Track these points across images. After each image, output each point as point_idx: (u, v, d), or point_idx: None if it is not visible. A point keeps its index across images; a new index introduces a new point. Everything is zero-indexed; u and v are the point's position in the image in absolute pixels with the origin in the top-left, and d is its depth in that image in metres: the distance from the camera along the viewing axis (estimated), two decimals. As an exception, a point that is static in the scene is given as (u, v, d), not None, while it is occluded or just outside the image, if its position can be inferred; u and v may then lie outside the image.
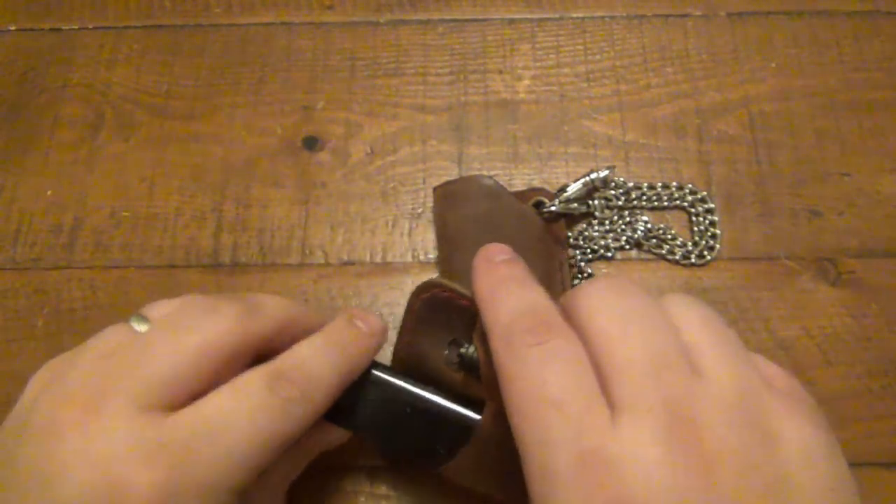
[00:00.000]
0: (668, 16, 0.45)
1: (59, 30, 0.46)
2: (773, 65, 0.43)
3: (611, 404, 0.20)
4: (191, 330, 0.25)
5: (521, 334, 0.22)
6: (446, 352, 0.29)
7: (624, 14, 0.45)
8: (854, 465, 0.33)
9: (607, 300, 0.22)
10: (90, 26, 0.46)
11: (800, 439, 0.19)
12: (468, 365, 0.28)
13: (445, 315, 0.29)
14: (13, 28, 0.46)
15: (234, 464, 0.23)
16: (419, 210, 0.40)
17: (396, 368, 0.31)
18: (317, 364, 0.26)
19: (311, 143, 0.42)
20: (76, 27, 0.46)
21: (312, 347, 0.27)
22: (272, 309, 0.27)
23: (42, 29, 0.46)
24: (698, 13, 0.45)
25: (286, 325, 0.27)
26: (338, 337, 0.27)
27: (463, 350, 0.28)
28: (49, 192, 0.41)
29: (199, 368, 0.24)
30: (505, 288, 0.24)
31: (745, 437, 0.19)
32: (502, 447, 0.25)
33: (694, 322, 0.22)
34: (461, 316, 0.29)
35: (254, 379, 0.25)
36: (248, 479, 0.23)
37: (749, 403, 0.20)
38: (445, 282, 0.29)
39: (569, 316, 0.23)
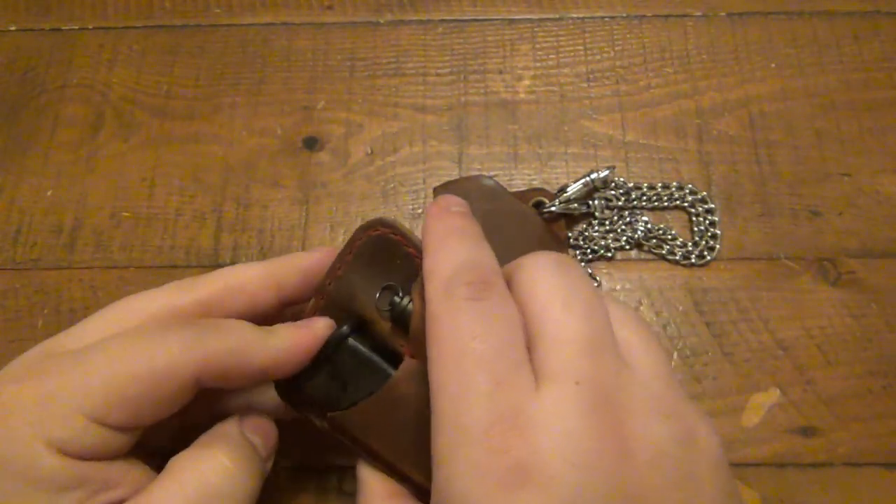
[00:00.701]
0: (668, 16, 0.45)
1: (59, 30, 0.46)
2: (773, 65, 0.43)
3: (537, 374, 0.19)
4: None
5: (461, 286, 0.21)
6: (378, 295, 0.27)
7: (624, 14, 0.45)
8: (854, 464, 0.34)
9: (553, 275, 0.22)
10: (90, 26, 0.46)
11: (715, 445, 0.20)
12: (398, 315, 0.27)
13: (387, 258, 0.27)
14: (13, 28, 0.46)
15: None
16: (419, 210, 0.40)
17: (319, 299, 0.29)
18: None
19: (311, 143, 0.42)
20: (76, 27, 0.46)
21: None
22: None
23: (42, 29, 0.46)
24: (698, 13, 0.45)
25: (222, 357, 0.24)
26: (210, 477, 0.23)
27: (397, 299, 0.27)
28: (49, 192, 0.41)
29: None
30: (455, 238, 0.24)
31: (665, 430, 0.19)
32: (408, 407, 0.24)
33: (627, 322, 0.22)
34: (404, 264, 0.27)
35: None
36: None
37: (672, 400, 0.20)
38: (398, 224, 0.27)
39: (512, 284, 0.22)
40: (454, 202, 0.26)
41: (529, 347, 0.20)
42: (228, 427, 0.25)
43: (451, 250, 0.23)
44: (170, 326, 0.24)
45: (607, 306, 0.22)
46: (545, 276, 0.22)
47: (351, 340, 0.27)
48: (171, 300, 0.26)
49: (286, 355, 0.25)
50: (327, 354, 0.27)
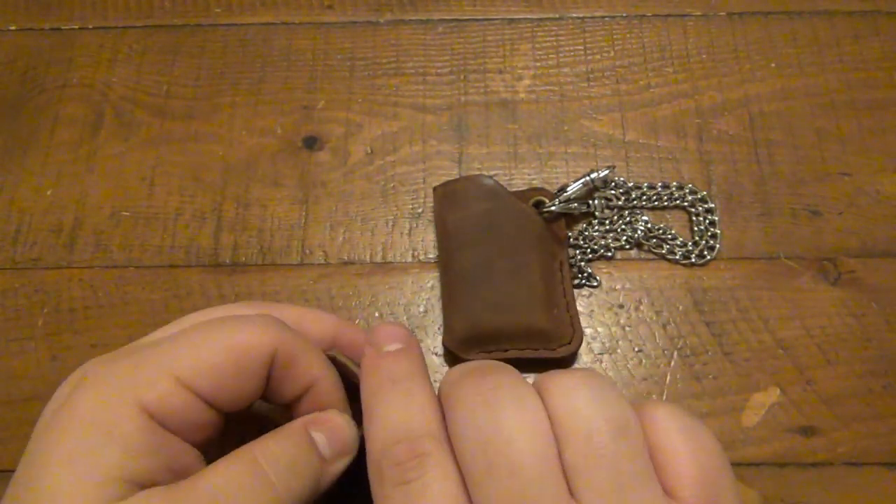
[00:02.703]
0: (668, 16, 0.45)
1: (59, 30, 0.46)
2: (773, 65, 0.43)
3: (572, 488, 0.19)
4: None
5: (389, 468, 0.20)
6: None
7: (624, 14, 0.45)
8: (854, 464, 0.34)
9: (582, 396, 0.20)
10: (90, 26, 0.46)
11: None
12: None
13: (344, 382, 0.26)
14: (13, 28, 0.46)
15: None
16: (419, 210, 0.40)
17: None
18: None
19: (311, 143, 0.42)
20: (76, 27, 0.46)
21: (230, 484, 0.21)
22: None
23: (42, 29, 0.46)
24: (698, 13, 0.45)
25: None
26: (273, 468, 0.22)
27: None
28: (49, 192, 0.41)
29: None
30: (384, 396, 0.22)
31: None
32: None
33: (580, 428, 0.20)
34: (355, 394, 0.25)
35: None
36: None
37: None
38: (340, 356, 0.26)
39: (544, 396, 0.21)
40: (385, 336, 0.24)
41: (564, 462, 0.19)
42: (293, 422, 0.24)
43: (379, 418, 0.22)
44: (251, 311, 0.25)
45: (566, 418, 0.20)
46: (575, 401, 0.20)
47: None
48: (251, 308, 0.26)
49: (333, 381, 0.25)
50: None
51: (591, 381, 0.20)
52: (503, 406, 0.19)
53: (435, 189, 0.39)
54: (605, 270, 0.38)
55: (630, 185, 0.40)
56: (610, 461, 0.19)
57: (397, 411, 0.22)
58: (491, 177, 0.38)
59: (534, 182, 0.40)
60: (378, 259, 0.39)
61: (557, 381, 0.20)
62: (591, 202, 0.39)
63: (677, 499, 0.19)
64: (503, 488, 0.18)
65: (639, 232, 0.39)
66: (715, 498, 0.19)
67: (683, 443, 0.20)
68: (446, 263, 0.37)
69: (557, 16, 0.45)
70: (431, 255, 0.39)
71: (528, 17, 0.45)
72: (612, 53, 0.44)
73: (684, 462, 0.20)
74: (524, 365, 0.32)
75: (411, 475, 0.20)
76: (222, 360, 0.22)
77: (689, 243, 0.39)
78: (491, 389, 0.20)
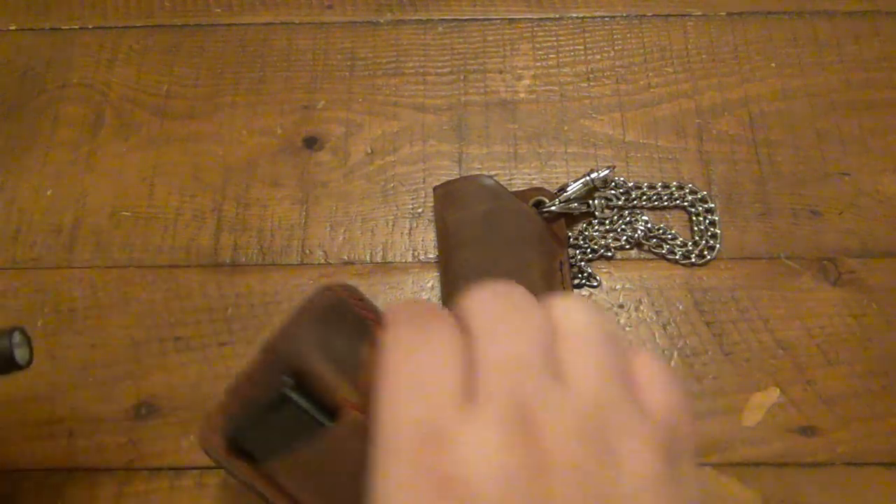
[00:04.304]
0: (668, 16, 0.45)
1: (59, 30, 0.46)
2: (773, 65, 0.43)
3: (467, 396, 0.20)
4: None
5: (406, 321, 0.22)
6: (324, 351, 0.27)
7: (624, 14, 0.45)
8: (854, 464, 0.34)
9: (487, 302, 0.23)
10: (90, 26, 0.46)
11: (640, 465, 0.20)
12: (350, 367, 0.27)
13: (338, 319, 0.28)
14: (13, 28, 0.46)
15: None
16: (419, 210, 0.40)
17: (267, 353, 0.28)
18: None
19: (311, 143, 0.42)
20: (76, 27, 0.46)
21: None
22: None
23: (42, 29, 0.46)
24: (698, 13, 0.45)
25: None
26: None
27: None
28: (49, 192, 0.41)
29: None
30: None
31: (586, 451, 0.19)
32: (345, 461, 0.25)
33: (573, 329, 0.22)
34: (354, 325, 0.27)
35: None
36: None
37: (601, 419, 0.20)
38: (357, 289, 0.28)
39: (457, 317, 0.23)
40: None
41: (467, 370, 0.21)
42: None
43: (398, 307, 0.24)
44: None
45: (553, 315, 0.22)
46: (478, 304, 0.23)
47: (291, 393, 0.27)
48: None
49: None
50: (266, 405, 0.27)
51: (588, 303, 0.23)
52: (513, 320, 0.22)
53: (435, 189, 0.39)
54: (605, 270, 0.38)
55: (630, 185, 0.40)
56: (595, 353, 0.21)
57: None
58: (491, 177, 0.38)
59: (534, 182, 0.40)
60: (378, 259, 0.39)
61: (559, 300, 0.23)
62: (591, 202, 0.39)
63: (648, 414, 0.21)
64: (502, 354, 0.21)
65: (639, 232, 0.39)
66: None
67: (663, 386, 0.22)
68: (446, 263, 0.37)
69: (557, 16, 0.45)
70: (431, 255, 0.39)
71: (528, 17, 0.45)
72: (612, 53, 0.44)
73: (658, 395, 0.22)
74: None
75: (425, 325, 0.22)
76: None
77: (689, 243, 0.39)
78: (504, 304, 0.23)
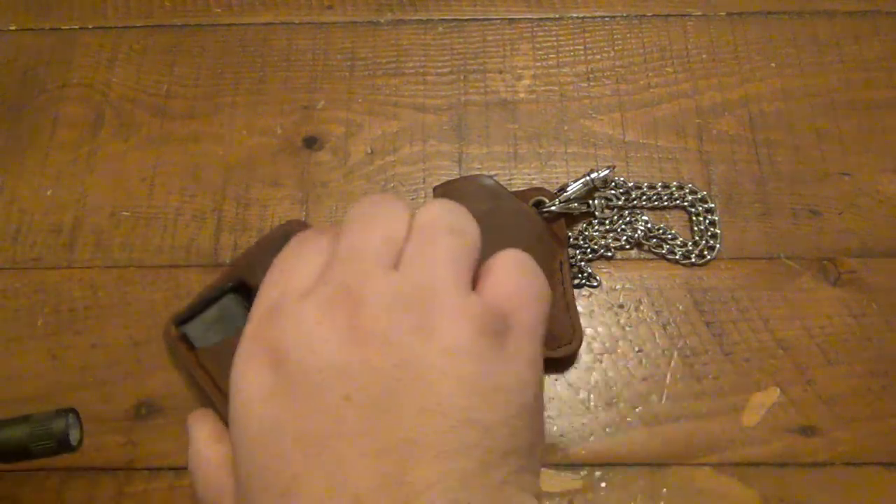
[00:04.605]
0: (668, 16, 0.45)
1: (59, 30, 0.46)
2: (773, 65, 0.43)
3: (314, 285, 0.23)
4: None
5: (296, 239, 0.25)
6: None
7: (624, 14, 0.45)
8: (854, 464, 0.34)
9: (358, 206, 0.24)
10: (90, 26, 0.46)
11: (450, 338, 0.21)
12: None
13: None
14: (13, 28, 0.46)
15: None
16: (419, 210, 0.40)
17: (230, 267, 0.37)
18: None
19: (311, 143, 0.42)
20: (76, 27, 0.46)
21: None
22: None
23: (42, 29, 0.46)
24: (698, 13, 0.45)
25: None
26: None
27: None
28: (49, 192, 0.41)
29: None
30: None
31: (399, 324, 0.21)
32: None
33: (419, 224, 0.23)
34: None
35: None
36: None
37: (421, 299, 0.21)
38: (310, 224, 0.34)
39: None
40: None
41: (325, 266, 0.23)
42: None
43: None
44: None
45: (418, 215, 0.24)
46: (354, 208, 0.24)
47: (231, 294, 0.36)
48: None
49: None
50: (206, 300, 0.35)
51: (448, 203, 0.25)
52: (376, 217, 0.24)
53: (435, 189, 0.39)
54: (604, 270, 0.38)
55: (630, 185, 0.40)
56: (432, 244, 0.23)
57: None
58: (491, 177, 0.38)
59: (534, 182, 0.40)
60: (378, 259, 0.39)
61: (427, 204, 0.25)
62: (591, 202, 0.39)
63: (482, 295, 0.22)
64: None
65: (639, 232, 0.39)
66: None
67: (515, 278, 0.24)
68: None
69: (557, 16, 0.45)
70: (431, 255, 0.39)
71: (528, 17, 0.45)
72: (612, 53, 0.44)
73: (496, 281, 0.23)
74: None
75: (301, 238, 0.25)
76: None
77: (689, 243, 0.39)
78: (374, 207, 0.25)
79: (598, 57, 0.44)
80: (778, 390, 0.35)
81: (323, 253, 0.24)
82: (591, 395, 0.35)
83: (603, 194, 0.39)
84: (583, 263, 0.38)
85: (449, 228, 0.23)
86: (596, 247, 0.39)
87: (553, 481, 0.34)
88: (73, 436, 0.28)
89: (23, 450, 0.27)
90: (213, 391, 0.34)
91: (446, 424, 0.20)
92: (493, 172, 0.41)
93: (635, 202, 0.40)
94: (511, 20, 0.45)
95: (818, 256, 0.38)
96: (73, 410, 0.28)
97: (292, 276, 0.23)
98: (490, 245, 0.36)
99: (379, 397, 0.20)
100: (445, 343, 0.21)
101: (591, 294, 0.38)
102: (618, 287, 0.38)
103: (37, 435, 0.27)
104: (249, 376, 0.22)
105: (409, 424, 0.20)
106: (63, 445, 0.28)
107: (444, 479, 0.19)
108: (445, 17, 0.45)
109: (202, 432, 0.26)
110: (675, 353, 0.36)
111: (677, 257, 0.38)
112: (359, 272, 0.22)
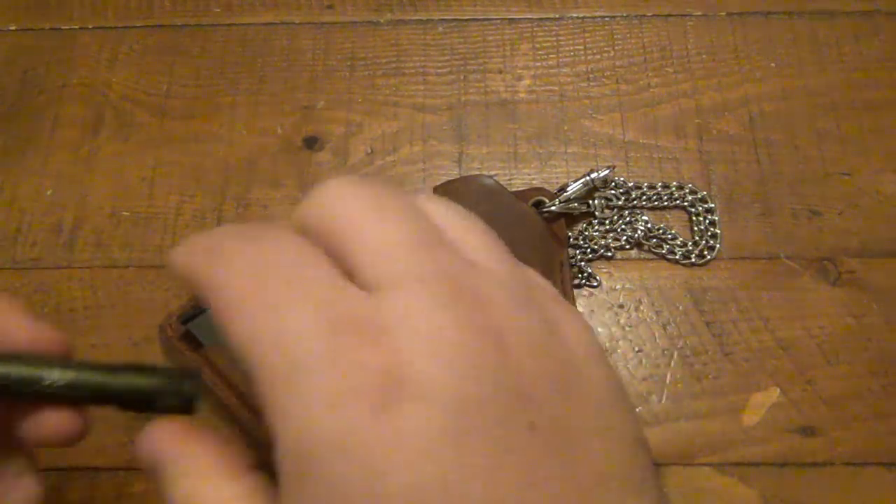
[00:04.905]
0: (668, 16, 0.45)
1: (59, 30, 0.46)
2: (773, 65, 0.43)
3: (367, 287, 0.16)
4: None
5: (227, 248, 0.17)
6: None
7: (624, 14, 0.45)
8: (854, 464, 0.34)
9: (346, 192, 0.17)
10: (90, 26, 0.46)
11: (579, 332, 0.17)
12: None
13: None
14: (13, 28, 0.46)
15: None
16: (419, 210, 0.40)
17: None
18: None
19: (311, 143, 0.42)
20: (76, 27, 0.46)
21: None
22: None
23: (42, 29, 0.46)
24: (698, 13, 0.45)
25: None
26: None
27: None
28: (49, 192, 0.41)
29: None
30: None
31: (530, 318, 0.17)
32: None
33: (456, 220, 0.19)
34: None
35: None
36: None
37: (527, 292, 0.17)
38: None
39: (302, 227, 0.18)
40: None
41: (348, 273, 0.17)
42: None
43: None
44: None
45: (425, 209, 0.19)
46: (333, 196, 0.18)
47: None
48: None
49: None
50: None
51: (449, 202, 0.20)
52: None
53: (435, 189, 0.39)
54: (605, 270, 0.38)
55: (630, 185, 0.40)
56: (481, 235, 0.19)
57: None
58: (491, 177, 0.38)
59: (534, 182, 0.40)
60: (378, 259, 0.39)
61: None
62: (591, 202, 0.39)
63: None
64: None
65: (639, 232, 0.39)
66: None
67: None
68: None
69: (557, 16, 0.45)
70: (431, 255, 0.39)
71: (528, 17, 0.45)
72: (612, 53, 0.44)
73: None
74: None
75: (252, 242, 0.17)
76: None
77: (689, 243, 0.39)
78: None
79: (598, 57, 0.44)
80: (778, 390, 0.35)
81: (298, 248, 0.17)
82: (591, 395, 0.35)
83: (603, 194, 0.39)
84: (583, 263, 0.38)
85: (484, 225, 0.19)
86: (596, 247, 0.39)
87: (553, 481, 0.34)
88: (199, 399, 0.27)
89: (148, 401, 0.26)
90: (224, 390, 0.32)
91: (625, 449, 0.16)
92: (493, 172, 0.41)
93: (635, 202, 0.40)
94: (511, 20, 0.45)
95: (818, 256, 0.38)
96: (199, 373, 0.27)
97: (291, 285, 0.16)
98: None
99: (559, 420, 0.15)
100: (580, 341, 0.17)
101: (591, 294, 0.38)
102: (618, 287, 0.38)
103: (168, 391, 0.26)
104: (361, 433, 0.14)
105: (597, 454, 0.15)
106: (185, 407, 0.26)
107: None
108: (445, 17, 0.45)
109: (198, 465, 0.19)
110: (675, 353, 0.36)
111: (677, 257, 0.38)
112: (445, 262, 0.16)
